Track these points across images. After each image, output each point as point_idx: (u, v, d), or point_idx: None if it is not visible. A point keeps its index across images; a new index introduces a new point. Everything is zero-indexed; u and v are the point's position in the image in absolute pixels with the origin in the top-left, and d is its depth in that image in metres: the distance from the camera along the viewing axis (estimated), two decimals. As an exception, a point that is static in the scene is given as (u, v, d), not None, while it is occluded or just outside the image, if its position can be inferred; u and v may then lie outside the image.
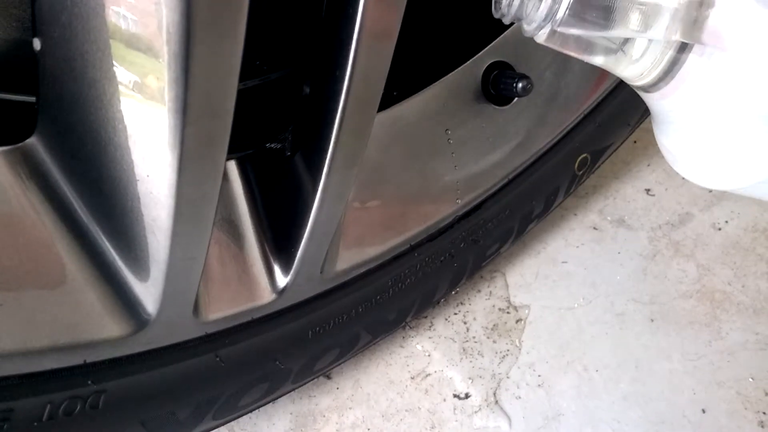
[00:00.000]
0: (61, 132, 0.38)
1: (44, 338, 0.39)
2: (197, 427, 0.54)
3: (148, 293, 0.42)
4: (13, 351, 0.39)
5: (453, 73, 0.60)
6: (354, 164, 0.46)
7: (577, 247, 0.85)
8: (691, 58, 0.38)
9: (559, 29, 0.37)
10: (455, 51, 0.61)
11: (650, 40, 0.38)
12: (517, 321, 0.77)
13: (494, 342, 0.75)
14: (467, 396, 0.71)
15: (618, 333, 0.75)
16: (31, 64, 0.37)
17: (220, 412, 0.55)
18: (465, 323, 0.77)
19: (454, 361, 0.74)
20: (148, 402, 0.48)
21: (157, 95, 0.34)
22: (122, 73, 0.34)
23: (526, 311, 0.78)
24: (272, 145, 0.51)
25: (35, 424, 0.42)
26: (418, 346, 0.75)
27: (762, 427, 0.67)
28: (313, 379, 0.65)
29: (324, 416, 0.69)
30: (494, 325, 0.77)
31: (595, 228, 0.87)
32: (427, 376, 0.72)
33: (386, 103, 0.56)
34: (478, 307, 0.79)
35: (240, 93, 0.36)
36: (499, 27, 0.62)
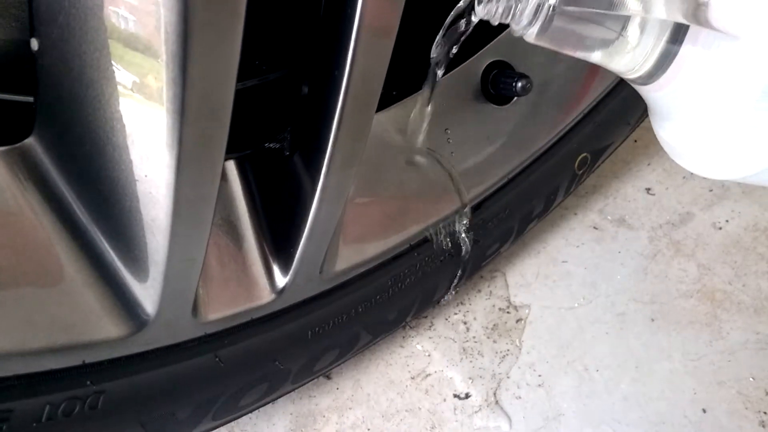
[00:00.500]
0: (59, 132, 0.38)
1: (43, 339, 0.39)
2: (197, 427, 0.54)
3: (147, 294, 0.42)
4: (12, 351, 0.39)
5: (452, 72, 0.60)
6: (353, 164, 0.46)
7: (578, 246, 0.85)
8: (686, 48, 0.38)
9: (556, 14, 0.36)
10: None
11: (644, 30, 0.38)
12: (517, 321, 0.77)
13: (494, 342, 0.75)
14: (467, 396, 0.71)
15: (618, 333, 0.75)
16: (29, 64, 0.37)
17: (219, 413, 0.55)
18: (465, 323, 0.77)
19: (454, 361, 0.73)
20: (148, 402, 0.48)
21: (155, 95, 0.34)
22: (120, 74, 0.34)
23: (527, 311, 0.78)
24: (271, 145, 0.51)
25: (34, 424, 0.42)
26: (418, 346, 0.75)
27: (763, 426, 0.67)
28: (313, 379, 0.65)
29: (324, 416, 0.69)
30: (494, 325, 0.77)
31: (595, 227, 0.87)
32: (427, 376, 0.72)
33: (385, 102, 0.56)
34: (478, 306, 0.79)
35: (238, 93, 0.36)
36: (498, 26, 0.62)
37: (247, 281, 0.50)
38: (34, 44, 0.36)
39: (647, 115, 0.81)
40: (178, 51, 0.32)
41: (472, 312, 0.78)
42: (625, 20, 0.38)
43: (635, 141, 0.96)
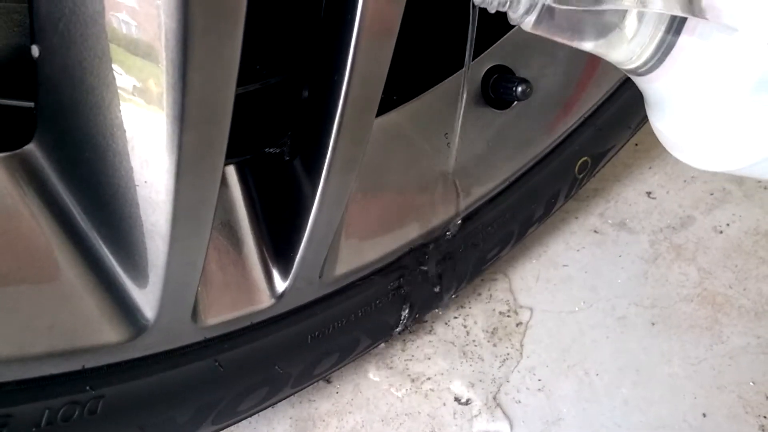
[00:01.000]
0: (59, 138, 0.38)
1: (42, 344, 0.39)
2: (196, 431, 0.54)
3: (147, 298, 0.42)
4: (12, 356, 0.39)
5: (452, 77, 0.60)
6: (353, 169, 0.46)
7: (578, 250, 0.85)
8: (683, 38, 0.38)
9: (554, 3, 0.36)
10: (454, 55, 0.61)
11: (642, 20, 0.38)
12: (517, 324, 0.77)
13: (494, 346, 0.75)
14: (467, 400, 0.71)
15: (619, 337, 0.75)
16: (30, 70, 0.37)
17: (219, 417, 0.55)
18: (465, 327, 0.77)
19: (454, 364, 0.73)
20: (147, 407, 0.48)
21: (155, 101, 0.34)
22: (120, 79, 0.34)
23: (527, 315, 0.78)
24: (271, 150, 0.51)
25: (34, 429, 0.42)
26: (418, 350, 0.75)
27: (763, 431, 0.67)
28: (313, 383, 0.65)
29: (324, 420, 0.69)
30: (494, 329, 0.77)
31: (596, 231, 0.87)
32: (427, 379, 0.72)
33: (385, 107, 0.56)
34: (478, 310, 0.79)
35: (238, 98, 0.36)
36: (499, 30, 0.62)
37: (246, 286, 0.50)
38: (35, 51, 0.36)
39: (648, 119, 0.81)
40: (178, 56, 0.32)
41: (472, 316, 0.78)
42: (623, 11, 0.38)
43: (636, 145, 0.96)
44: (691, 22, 0.37)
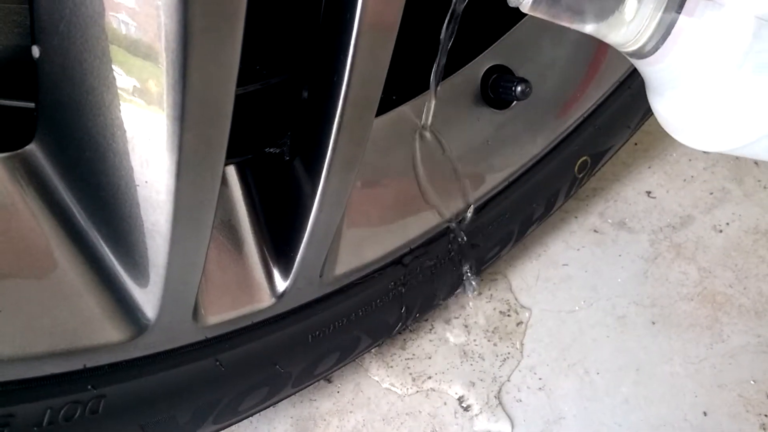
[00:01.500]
0: (60, 138, 0.38)
1: (44, 343, 0.40)
2: (197, 431, 0.54)
3: (148, 298, 0.42)
4: (13, 356, 0.39)
5: (452, 76, 0.60)
6: (353, 168, 0.46)
7: (578, 249, 0.85)
8: (682, 19, 0.38)
9: None
10: (454, 54, 0.61)
11: (641, 2, 0.38)
12: (517, 324, 0.77)
13: (495, 345, 0.75)
14: (468, 399, 0.71)
15: (619, 336, 0.75)
16: (30, 71, 0.37)
17: (220, 417, 0.55)
18: (466, 326, 0.77)
19: (454, 364, 0.73)
20: (148, 406, 0.48)
21: (155, 101, 0.34)
22: (121, 80, 0.34)
23: (527, 314, 0.78)
24: (271, 150, 0.51)
25: (35, 428, 0.42)
26: (419, 349, 0.75)
27: (764, 429, 0.67)
28: (314, 382, 0.65)
29: (325, 420, 0.69)
30: (495, 328, 0.77)
31: (595, 231, 0.87)
32: (427, 379, 0.72)
33: (385, 107, 0.56)
34: (478, 310, 0.79)
35: (239, 98, 0.36)
36: (498, 30, 0.62)
37: (247, 285, 0.50)
38: (36, 51, 0.36)
39: (648, 118, 0.81)
40: (178, 57, 0.32)
41: (472, 315, 0.78)
42: None
43: (635, 144, 0.96)
44: (690, 3, 0.37)
